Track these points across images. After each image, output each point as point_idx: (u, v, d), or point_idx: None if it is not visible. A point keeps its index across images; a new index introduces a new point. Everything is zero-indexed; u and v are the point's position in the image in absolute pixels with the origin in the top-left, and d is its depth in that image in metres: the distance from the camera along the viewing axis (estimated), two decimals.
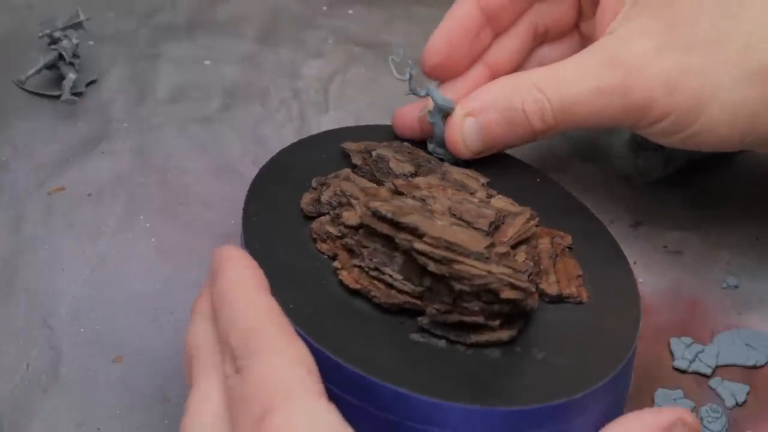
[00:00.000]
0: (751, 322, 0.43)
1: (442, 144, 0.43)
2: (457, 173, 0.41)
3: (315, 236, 0.38)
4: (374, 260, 0.35)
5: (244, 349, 0.30)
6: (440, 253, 0.33)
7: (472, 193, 0.40)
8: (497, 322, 0.34)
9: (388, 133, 0.45)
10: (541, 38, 0.46)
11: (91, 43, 0.55)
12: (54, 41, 0.51)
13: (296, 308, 0.34)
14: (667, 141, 0.41)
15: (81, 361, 0.40)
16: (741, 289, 0.45)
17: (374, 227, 0.35)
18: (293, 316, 0.33)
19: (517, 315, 0.35)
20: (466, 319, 0.34)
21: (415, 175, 0.40)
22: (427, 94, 0.43)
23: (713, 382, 0.41)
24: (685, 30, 0.39)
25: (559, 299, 0.37)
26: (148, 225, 0.46)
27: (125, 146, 0.50)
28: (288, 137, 0.51)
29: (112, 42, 0.56)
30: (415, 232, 0.34)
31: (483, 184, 0.41)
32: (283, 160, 0.42)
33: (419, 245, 0.34)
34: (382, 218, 0.35)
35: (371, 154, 0.41)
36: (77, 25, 0.52)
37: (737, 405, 0.40)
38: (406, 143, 0.43)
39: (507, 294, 0.33)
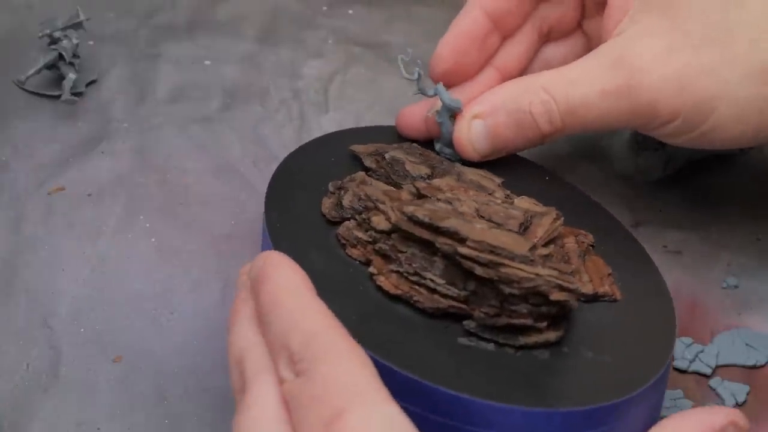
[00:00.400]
0: (751, 322, 0.43)
1: (449, 144, 0.43)
2: (472, 174, 0.41)
3: (344, 242, 0.37)
4: (413, 265, 0.35)
5: (307, 353, 0.30)
6: (486, 257, 0.33)
7: (490, 194, 0.40)
8: (544, 324, 0.34)
9: (390, 134, 0.44)
10: (545, 38, 0.46)
11: (91, 43, 0.55)
12: (54, 41, 0.51)
13: (341, 315, 0.33)
14: (677, 141, 0.41)
15: (81, 361, 0.40)
16: (741, 289, 0.45)
17: (411, 232, 0.35)
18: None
19: (561, 316, 0.35)
20: (515, 321, 0.34)
21: (431, 176, 0.40)
22: (435, 94, 0.43)
23: (713, 382, 0.41)
24: (691, 29, 0.39)
25: (595, 298, 0.37)
26: (148, 225, 0.46)
27: (125, 146, 0.50)
28: (288, 137, 0.51)
29: (112, 42, 0.56)
30: (456, 236, 0.34)
31: (498, 184, 0.41)
32: (292, 165, 0.41)
33: (463, 249, 0.34)
34: (420, 223, 0.35)
35: (384, 157, 0.41)
36: (77, 25, 0.52)
37: (737, 405, 0.40)
38: (415, 144, 0.43)
39: (556, 296, 0.33)
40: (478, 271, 0.34)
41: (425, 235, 0.35)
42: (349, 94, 0.54)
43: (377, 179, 0.40)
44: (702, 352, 0.42)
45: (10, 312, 0.42)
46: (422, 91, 0.43)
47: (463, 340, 0.34)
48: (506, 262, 0.34)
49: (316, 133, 0.51)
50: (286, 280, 0.32)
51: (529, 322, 0.34)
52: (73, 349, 0.41)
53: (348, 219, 0.38)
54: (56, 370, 0.40)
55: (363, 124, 0.52)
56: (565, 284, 0.34)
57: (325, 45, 0.57)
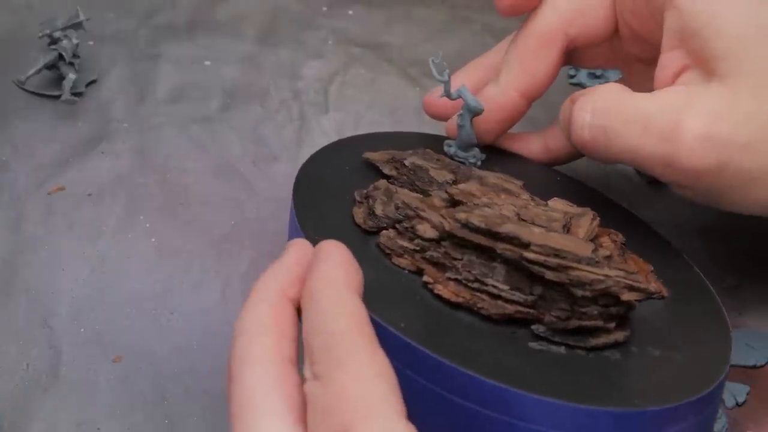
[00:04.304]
0: (751, 322, 0.43)
1: (466, 147, 0.43)
2: (493, 178, 0.41)
3: (388, 251, 0.37)
4: (473, 272, 0.35)
5: (325, 356, 0.29)
6: (553, 260, 0.33)
7: (517, 197, 0.39)
8: (613, 325, 0.34)
9: (403, 140, 0.44)
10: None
11: (91, 43, 0.55)
12: (54, 41, 0.51)
13: (407, 326, 0.33)
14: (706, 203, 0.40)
15: (81, 361, 0.40)
16: (741, 289, 0.45)
17: (468, 239, 0.35)
18: (409, 334, 0.32)
19: (626, 316, 0.35)
20: (586, 323, 0.34)
21: (455, 182, 0.40)
22: (459, 96, 0.42)
23: None
24: (742, 102, 0.36)
25: (648, 296, 0.37)
26: (148, 225, 0.46)
27: (125, 146, 0.50)
28: (288, 137, 0.51)
29: (112, 42, 0.56)
30: (517, 242, 0.34)
31: (520, 187, 0.41)
32: (310, 175, 0.41)
33: (529, 255, 0.34)
34: (476, 229, 0.35)
35: (404, 164, 0.41)
36: (77, 25, 0.52)
37: (737, 405, 0.40)
38: (428, 150, 0.43)
39: (627, 296, 0.33)
40: (549, 275, 0.33)
41: (482, 241, 0.35)
42: (349, 95, 0.54)
43: (401, 186, 0.40)
44: None
45: (10, 312, 0.42)
46: (448, 95, 0.43)
47: (534, 345, 0.34)
48: (574, 265, 0.33)
49: (316, 134, 0.51)
50: (330, 273, 0.31)
51: (600, 323, 0.34)
52: (73, 349, 0.41)
53: (384, 228, 0.38)
54: (56, 370, 0.40)
55: (363, 124, 0.52)
56: (635, 284, 0.34)
57: (325, 45, 0.57)
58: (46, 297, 0.43)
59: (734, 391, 0.41)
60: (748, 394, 0.41)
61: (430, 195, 0.39)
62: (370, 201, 0.39)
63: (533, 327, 0.34)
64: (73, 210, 0.46)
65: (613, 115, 0.38)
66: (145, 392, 0.39)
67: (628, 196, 0.48)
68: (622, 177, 0.49)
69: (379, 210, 0.38)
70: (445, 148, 0.44)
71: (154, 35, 0.57)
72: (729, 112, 0.36)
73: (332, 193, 0.40)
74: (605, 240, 0.38)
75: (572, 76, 0.56)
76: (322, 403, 0.29)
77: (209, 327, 0.42)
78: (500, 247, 0.34)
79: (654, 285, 0.37)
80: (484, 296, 0.35)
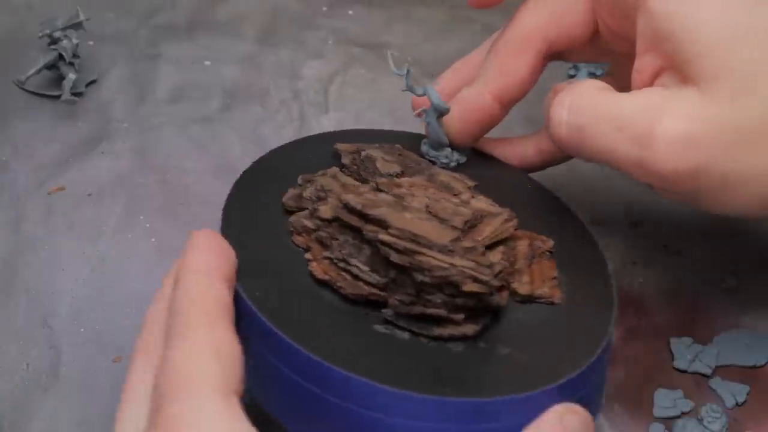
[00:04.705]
0: (751, 322, 0.43)
1: (436, 146, 0.43)
2: (445, 176, 0.41)
3: (292, 229, 0.38)
4: (342, 252, 0.35)
5: (168, 334, 0.31)
6: (403, 243, 0.33)
7: (456, 195, 0.39)
8: (461, 316, 0.34)
9: (385, 137, 0.44)
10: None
11: (91, 43, 0.55)
12: (54, 41, 0.51)
13: (263, 296, 0.34)
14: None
15: (81, 361, 0.40)
16: (741, 289, 0.45)
17: (345, 219, 0.35)
18: (258, 303, 0.33)
19: (483, 310, 0.35)
20: (429, 311, 0.33)
21: (401, 175, 0.40)
22: (424, 94, 0.42)
23: (713, 382, 0.41)
24: (720, 110, 0.35)
25: (531, 299, 0.37)
26: (148, 225, 0.46)
27: (125, 146, 0.50)
28: (288, 137, 0.51)
29: (112, 42, 0.56)
30: (382, 224, 0.34)
31: (469, 187, 0.41)
32: (275, 158, 0.42)
33: (384, 236, 0.34)
34: (353, 210, 0.35)
35: (360, 155, 0.41)
36: (77, 25, 0.52)
37: (737, 405, 0.40)
38: (398, 146, 0.43)
39: (469, 287, 0.33)
40: (394, 257, 0.33)
41: (355, 222, 0.35)
42: (349, 95, 0.54)
43: (349, 175, 0.40)
44: (702, 352, 0.42)
45: (10, 312, 0.42)
46: (410, 89, 0.42)
47: (380, 328, 0.34)
48: (423, 250, 0.33)
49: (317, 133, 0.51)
50: (193, 259, 0.33)
51: (443, 312, 0.33)
52: (73, 349, 0.41)
53: (305, 209, 0.38)
54: (56, 370, 0.40)
55: (363, 124, 0.52)
56: (479, 276, 0.33)
57: (325, 45, 0.57)
58: (46, 297, 0.43)
59: (734, 391, 0.41)
60: (748, 394, 0.41)
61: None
62: (309, 185, 0.39)
63: (383, 311, 0.34)
64: (73, 210, 0.46)
65: (589, 113, 0.37)
66: None
67: (628, 196, 0.48)
68: (622, 176, 0.49)
69: (307, 193, 0.38)
70: (421, 147, 0.44)
71: (154, 35, 0.57)
72: (704, 115, 0.34)
73: (290, 176, 0.40)
74: (522, 243, 0.38)
75: (572, 76, 0.56)
76: (156, 379, 0.30)
77: None
78: (367, 228, 0.35)
79: (546, 290, 0.37)
80: (347, 276, 0.35)
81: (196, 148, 0.50)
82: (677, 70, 0.35)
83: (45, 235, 0.45)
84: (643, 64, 0.37)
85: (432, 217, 0.36)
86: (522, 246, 0.38)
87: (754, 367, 0.42)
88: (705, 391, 0.41)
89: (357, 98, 0.54)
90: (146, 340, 0.33)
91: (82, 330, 0.41)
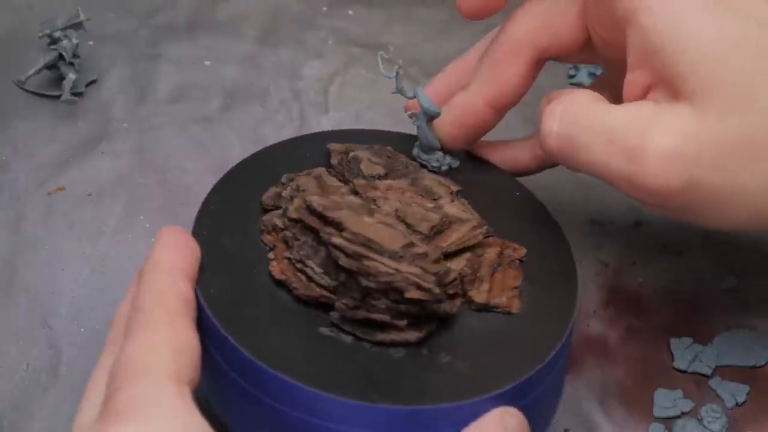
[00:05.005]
0: (751, 322, 0.43)
1: (427, 149, 0.42)
2: (430, 180, 0.40)
3: (263, 228, 0.38)
4: (301, 253, 0.35)
5: (128, 328, 0.32)
6: (353, 248, 0.33)
7: (435, 199, 0.39)
8: (404, 322, 0.33)
9: (380, 138, 0.44)
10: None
11: (91, 43, 0.55)
12: (54, 41, 0.51)
13: (217, 294, 0.34)
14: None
15: (81, 361, 0.40)
16: (741, 289, 0.45)
17: (305, 220, 0.36)
18: (210, 300, 0.34)
19: (428, 317, 0.34)
20: (373, 316, 0.33)
21: (385, 177, 0.40)
22: (414, 96, 0.41)
23: (713, 382, 0.41)
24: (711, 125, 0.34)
25: (487, 308, 0.36)
26: (148, 225, 0.46)
27: (125, 146, 0.50)
28: (288, 137, 0.51)
29: (112, 42, 0.56)
30: (339, 227, 0.34)
31: (452, 192, 0.40)
32: (267, 155, 0.42)
33: (336, 239, 0.34)
34: (314, 212, 0.35)
35: (348, 155, 0.41)
36: (77, 25, 0.52)
37: (737, 405, 0.40)
38: (389, 147, 0.42)
39: (412, 294, 0.33)
40: (342, 260, 0.33)
41: (315, 223, 0.35)
42: (349, 95, 0.54)
43: (334, 175, 0.40)
44: (702, 352, 0.42)
45: (10, 312, 0.42)
46: (400, 91, 0.42)
47: (325, 330, 0.34)
48: (372, 255, 0.33)
49: None
50: (157, 256, 0.34)
51: (386, 318, 0.33)
52: (73, 349, 0.41)
53: (280, 207, 0.38)
54: (56, 370, 0.40)
55: (363, 124, 0.52)
56: (423, 283, 0.33)
57: (325, 45, 0.57)
58: (46, 297, 0.43)
59: (734, 391, 0.41)
60: (748, 394, 0.41)
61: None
62: (291, 184, 0.39)
63: (330, 313, 0.34)
64: (73, 210, 0.46)
65: (579, 124, 0.37)
66: None
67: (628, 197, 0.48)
68: None
69: (286, 192, 0.38)
70: (413, 150, 0.43)
71: (154, 35, 0.57)
72: (695, 131, 0.34)
73: (275, 175, 0.40)
74: (491, 251, 0.38)
75: (572, 76, 0.56)
76: (111, 370, 0.31)
77: None
78: (324, 230, 0.35)
79: (503, 300, 0.36)
80: (302, 277, 0.35)
81: (196, 148, 0.50)
82: (668, 85, 0.35)
83: (45, 235, 0.45)
84: (634, 78, 0.37)
85: (397, 222, 0.36)
86: (490, 254, 0.38)
87: (754, 367, 0.42)
88: (705, 391, 0.41)
89: (357, 98, 0.54)
90: (112, 336, 0.34)
91: (82, 330, 0.41)
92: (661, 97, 0.35)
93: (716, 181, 0.34)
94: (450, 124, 0.42)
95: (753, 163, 0.34)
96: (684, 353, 0.42)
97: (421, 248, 0.34)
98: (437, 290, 0.33)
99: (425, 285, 0.33)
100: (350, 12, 0.59)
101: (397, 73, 0.41)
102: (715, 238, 0.47)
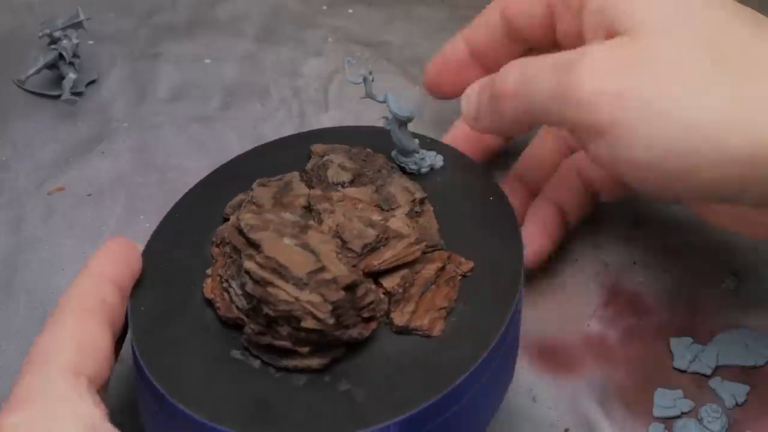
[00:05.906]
0: (751, 322, 0.43)
1: (402, 152, 0.41)
2: (396, 186, 0.39)
3: (213, 240, 0.37)
4: (228, 272, 0.35)
5: (45, 324, 0.33)
6: (261, 273, 0.33)
7: (393, 208, 0.38)
8: (306, 349, 0.33)
9: (368, 136, 0.43)
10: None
11: (91, 43, 0.55)
12: (54, 41, 0.51)
13: (147, 310, 0.35)
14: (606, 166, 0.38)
15: None
16: (741, 289, 0.45)
17: (232, 240, 0.35)
18: (135, 316, 0.35)
19: (330, 344, 0.34)
20: (276, 343, 0.33)
21: (351, 183, 0.39)
22: (384, 101, 0.41)
23: (713, 382, 0.41)
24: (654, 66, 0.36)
25: (407, 331, 0.35)
26: (147, 225, 0.46)
27: (125, 146, 0.50)
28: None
29: (112, 42, 0.56)
30: (258, 249, 0.34)
31: (415, 200, 0.39)
32: (250, 158, 0.41)
33: (248, 263, 0.33)
34: (240, 231, 0.35)
35: (323, 159, 0.40)
36: (77, 25, 0.52)
37: (737, 405, 0.40)
38: (368, 150, 0.41)
39: (308, 323, 0.32)
40: (248, 287, 0.33)
41: (239, 244, 0.35)
42: (349, 94, 0.54)
43: (303, 181, 0.39)
44: (702, 352, 0.42)
45: (10, 312, 0.42)
46: (371, 96, 0.41)
47: (236, 353, 0.34)
48: (277, 282, 0.33)
49: None
50: (92, 264, 0.35)
51: (288, 345, 0.33)
52: None
53: None
54: None
55: (362, 123, 0.52)
56: (319, 314, 0.32)
57: (325, 44, 0.57)
58: (46, 297, 0.43)
59: (734, 391, 0.41)
60: (748, 394, 0.41)
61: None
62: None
63: (243, 337, 0.34)
64: (73, 210, 0.46)
65: (504, 78, 0.39)
66: None
67: (628, 196, 0.48)
68: None
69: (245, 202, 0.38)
70: (391, 153, 0.41)
71: (154, 35, 0.57)
72: (628, 49, 0.36)
73: (254, 179, 0.40)
74: (429, 268, 0.36)
75: None
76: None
77: None
78: (245, 252, 0.34)
79: (424, 323, 0.35)
80: (226, 297, 0.35)
81: (196, 147, 0.50)
82: (611, 34, 0.37)
83: (45, 235, 0.45)
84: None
85: (330, 240, 0.35)
86: (428, 270, 0.36)
87: (754, 367, 0.42)
88: (705, 391, 0.41)
89: (357, 96, 0.54)
90: None
91: None
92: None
93: (647, 93, 0.35)
94: (432, 62, 0.46)
95: (685, 77, 0.34)
96: (684, 353, 0.42)
97: (329, 274, 0.33)
98: (331, 321, 0.33)
99: (320, 315, 0.32)
100: (350, 11, 0.59)
101: (365, 79, 0.41)
102: (715, 238, 0.47)
